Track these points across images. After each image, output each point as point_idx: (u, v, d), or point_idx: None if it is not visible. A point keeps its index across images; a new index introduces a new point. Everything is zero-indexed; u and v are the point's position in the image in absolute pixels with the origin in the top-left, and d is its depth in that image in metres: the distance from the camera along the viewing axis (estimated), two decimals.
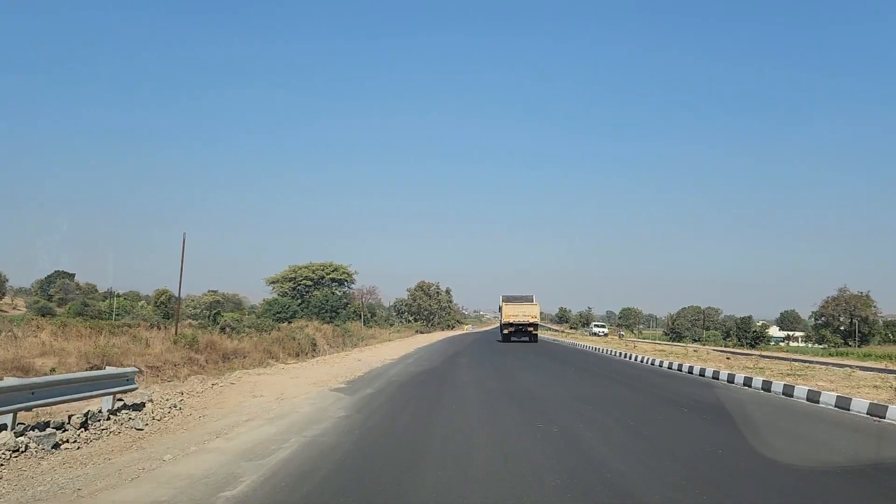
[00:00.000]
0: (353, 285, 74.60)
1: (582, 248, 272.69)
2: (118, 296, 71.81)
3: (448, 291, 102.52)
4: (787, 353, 47.18)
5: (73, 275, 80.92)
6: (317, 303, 61.32)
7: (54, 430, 7.82)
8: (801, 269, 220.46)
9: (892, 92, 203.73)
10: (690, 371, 20.75)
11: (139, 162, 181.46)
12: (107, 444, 8.03)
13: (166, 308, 62.49)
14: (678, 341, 78.61)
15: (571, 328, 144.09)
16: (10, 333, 20.63)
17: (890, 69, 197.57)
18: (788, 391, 14.10)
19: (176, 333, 25.83)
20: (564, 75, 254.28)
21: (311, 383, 15.64)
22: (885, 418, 10.55)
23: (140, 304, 67.10)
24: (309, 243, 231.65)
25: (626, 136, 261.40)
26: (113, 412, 9.33)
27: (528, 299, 46.98)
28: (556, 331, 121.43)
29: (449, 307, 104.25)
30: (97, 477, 6.35)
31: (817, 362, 27.55)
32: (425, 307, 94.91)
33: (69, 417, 8.53)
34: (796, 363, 24.07)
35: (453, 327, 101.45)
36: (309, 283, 68.78)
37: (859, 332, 69.43)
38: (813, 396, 12.99)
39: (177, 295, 33.02)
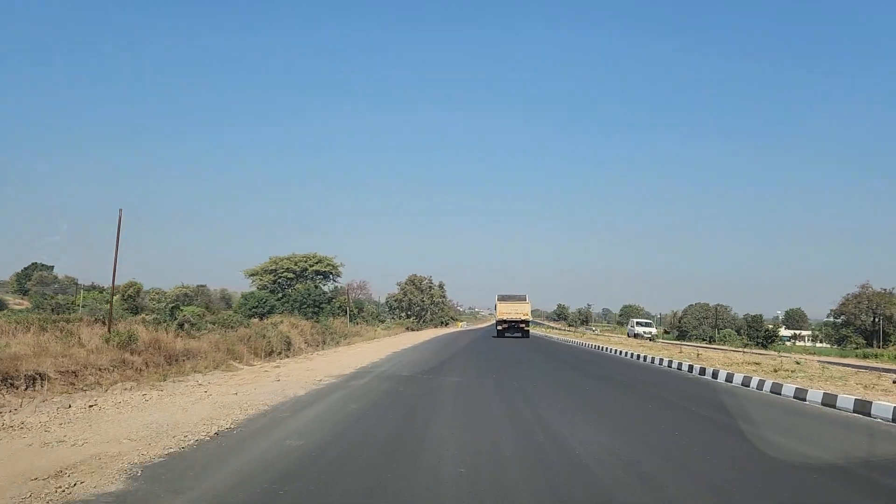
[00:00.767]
0: (339, 279, 69.28)
1: (580, 244, 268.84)
2: (93, 289, 67.09)
3: (441, 286, 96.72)
4: (815, 354, 42.82)
5: (52, 267, 76.79)
6: (297, 297, 56.39)
7: None
8: (806, 267, 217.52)
9: (892, 92, 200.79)
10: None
11: (121, 155, 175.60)
12: None
13: (134, 301, 57.72)
14: (684, 340, 74.42)
15: (570, 325, 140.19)
16: None
17: None
18: None
19: (109, 331, 21.13)
20: (561, 69, 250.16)
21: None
22: None
23: (115, 297, 62.36)
24: (300, 238, 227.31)
25: (624, 130, 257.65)
26: None
27: (521, 298, 50.05)
28: (555, 329, 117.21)
29: (442, 303, 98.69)
30: None
31: (882, 369, 23.16)
32: (416, 302, 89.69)
33: None
34: None
35: (447, 324, 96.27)
36: (291, 275, 63.50)
37: (883, 331, 65.13)
38: None
39: (143, 287, 28.27)
